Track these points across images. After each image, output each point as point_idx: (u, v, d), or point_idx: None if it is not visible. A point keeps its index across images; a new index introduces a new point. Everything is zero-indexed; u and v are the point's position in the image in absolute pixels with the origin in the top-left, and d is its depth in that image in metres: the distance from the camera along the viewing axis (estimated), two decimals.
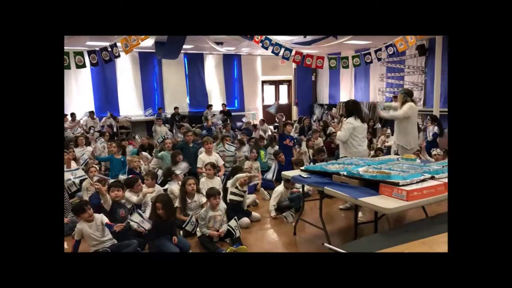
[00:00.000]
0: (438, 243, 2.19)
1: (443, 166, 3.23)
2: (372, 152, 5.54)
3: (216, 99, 12.81)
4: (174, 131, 8.07)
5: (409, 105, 4.70)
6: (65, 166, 4.63)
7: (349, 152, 4.33)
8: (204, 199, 3.99)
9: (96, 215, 3.21)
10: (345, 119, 4.57)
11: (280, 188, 4.43)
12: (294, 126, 8.84)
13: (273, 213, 4.30)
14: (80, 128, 8.65)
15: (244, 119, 10.34)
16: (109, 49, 6.49)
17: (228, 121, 9.72)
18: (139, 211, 3.49)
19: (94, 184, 3.62)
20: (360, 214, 4.26)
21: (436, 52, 8.67)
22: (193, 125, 10.05)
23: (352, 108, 4.41)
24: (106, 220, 3.21)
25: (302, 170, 3.62)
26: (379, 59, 7.85)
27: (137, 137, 6.96)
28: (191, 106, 12.47)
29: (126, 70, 11.41)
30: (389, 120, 6.52)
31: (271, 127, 10.32)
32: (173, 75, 12.08)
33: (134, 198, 3.86)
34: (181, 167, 4.87)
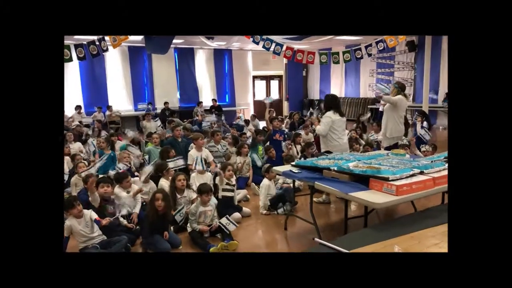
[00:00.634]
0: (427, 237, 2.22)
1: (432, 161, 3.26)
2: (362, 148, 5.56)
3: (207, 94, 12.76)
4: (165, 126, 8.00)
5: (400, 96, 4.87)
6: None
7: (329, 146, 4.36)
8: (194, 195, 3.98)
9: (85, 211, 3.18)
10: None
11: (265, 182, 4.42)
12: (285, 121, 8.84)
13: (264, 211, 4.27)
14: (69, 124, 8.52)
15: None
16: (97, 43, 6.39)
17: (222, 118, 9.67)
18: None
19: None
20: (353, 207, 4.30)
21: (426, 48, 8.74)
22: (184, 120, 9.98)
23: (331, 102, 4.44)
24: (95, 216, 3.18)
25: (292, 165, 3.63)
26: (369, 55, 7.89)
27: (131, 133, 6.91)
28: (181, 101, 12.39)
29: (115, 64, 11.27)
30: (378, 115, 6.57)
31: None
32: (164, 69, 11.98)
33: (123, 194, 3.82)
34: (178, 163, 4.79)
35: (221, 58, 13.01)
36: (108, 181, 3.67)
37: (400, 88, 4.97)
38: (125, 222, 3.60)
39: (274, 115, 8.83)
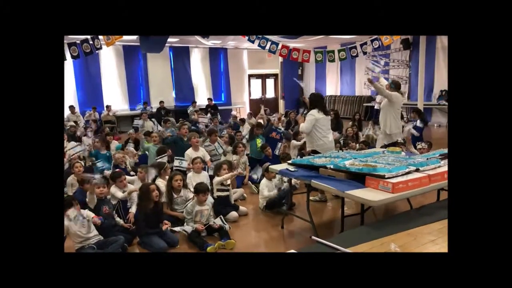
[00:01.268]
0: (423, 234, 2.24)
1: (427, 159, 3.28)
2: (357, 146, 5.58)
3: (203, 93, 12.71)
4: (160, 125, 7.96)
5: (395, 93, 4.96)
6: None
7: (315, 145, 4.34)
8: (190, 194, 3.97)
9: (82, 211, 3.16)
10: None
11: (264, 182, 4.43)
12: (281, 120, 8.84)
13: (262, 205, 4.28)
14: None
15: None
16: (90, 42, 6.34)
17: (218, 116, 9.62)
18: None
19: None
20: (345, 208, 4.30)
21: (421, 47, 8.78)
22: (180, 119, 9.94)
23: (316, 101, 4.42)
24: (92, 215, 3.17)
25: (289, 164, 3.64)
26: (364, 53, 7.91)
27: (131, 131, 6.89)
28: (177, 100, 12.34)
29: (110, 63, 11.19)
30: (374, 113, 6.60)
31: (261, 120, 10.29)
32: (159, 68, 11.92)
33: (119, 193, 3.81)
34: (182, 164, 4.80)
35: (216, 56, 12.97)
36: (103, 181, 3.65)
37: (395, 86, 5.07)
38: (121, 222, 3.60)
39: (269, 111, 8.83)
